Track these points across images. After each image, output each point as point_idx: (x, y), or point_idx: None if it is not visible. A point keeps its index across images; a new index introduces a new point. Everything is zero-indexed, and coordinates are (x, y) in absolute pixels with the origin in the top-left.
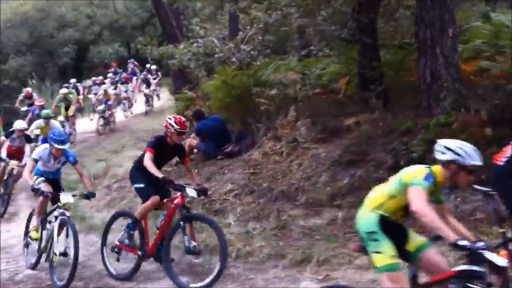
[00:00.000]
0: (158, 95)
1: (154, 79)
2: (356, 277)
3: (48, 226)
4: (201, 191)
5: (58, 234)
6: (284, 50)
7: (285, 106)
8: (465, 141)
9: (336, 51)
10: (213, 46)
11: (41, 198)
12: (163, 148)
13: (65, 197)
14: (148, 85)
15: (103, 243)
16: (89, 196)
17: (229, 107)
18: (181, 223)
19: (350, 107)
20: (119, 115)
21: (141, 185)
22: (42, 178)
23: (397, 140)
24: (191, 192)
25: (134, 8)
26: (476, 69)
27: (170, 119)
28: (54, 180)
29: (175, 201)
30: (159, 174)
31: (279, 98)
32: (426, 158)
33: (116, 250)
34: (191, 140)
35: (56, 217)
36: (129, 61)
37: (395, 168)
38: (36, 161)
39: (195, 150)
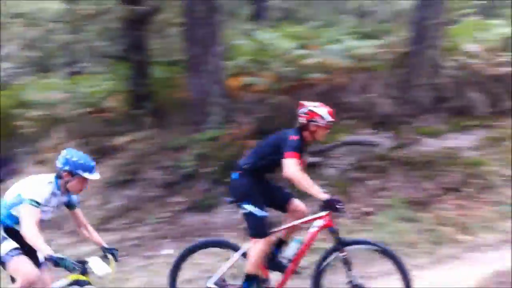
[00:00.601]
0: None
1: None
2: None
3: None
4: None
5: None
6: (50, 68)
7: (52, 128)
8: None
9: (108, 68)
10: None
11: None
12: (302, 149)
13: (100, 266)
14: None
15: None
16: (114, 253)
17: None
18: (340, 253)
19: (122, 125)
20: None
21: (263, 214)
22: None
23: (170, 156)
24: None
25: None
26: (242, 84)
27: (316, 107)
28: None
29: (318, 223)
30: (322, 195)
31: (45, 120)
32: (198, 172)
33: None
34: None
35: None
36: None
37: (168, 185)
38: (39, 206)
39: None
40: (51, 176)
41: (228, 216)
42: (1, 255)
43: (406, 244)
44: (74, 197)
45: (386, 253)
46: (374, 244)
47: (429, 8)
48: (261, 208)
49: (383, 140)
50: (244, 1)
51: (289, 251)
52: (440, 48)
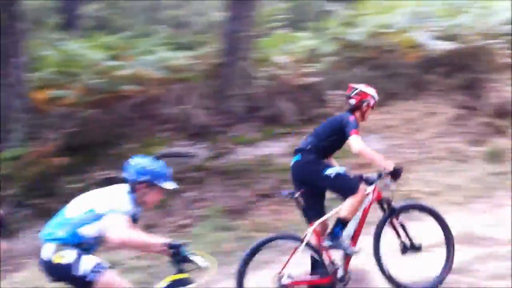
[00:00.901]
0: None
1: None
2: None
3: None
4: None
5: None
6: None
7: None
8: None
9: None
10: None
11: None
12: None
13: (201, 259)
14: None
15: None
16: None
17: None
18: (396, 219)
19: None
20: None
21: (344, 170)
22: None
23: None
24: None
25: None
26: (48, 98)
27: (366, 87)
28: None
29: (369, 198)
30: (389, 164)
31: None
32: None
33: None
34: None
35: None
36: None
37: None
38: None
39: None
40: (125, 188)
41: (33, 241)
42: (84, 272)
43: (223, 253)
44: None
45: (431, 212)
46: (421, 206)
47: (240, 21)
48: (336, 169)
49: (199, 151)
50: (53, 9)
51: (347, 231)
52: (251, 60)
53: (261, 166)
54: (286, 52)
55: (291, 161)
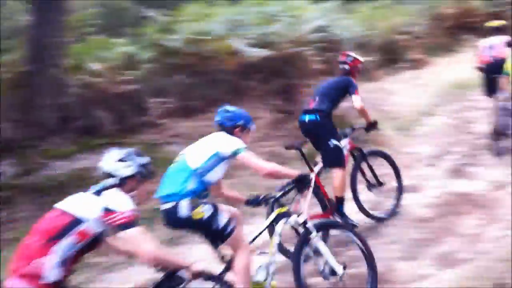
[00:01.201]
0: None
1: None
2: None
3: None
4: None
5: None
6: None
7: None
8: None
9: None
10: None
11: None
12: None
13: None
14: None
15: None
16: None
17: None
18: (366, 161)
19: None
20: None
21: (341, 145)
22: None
23: None
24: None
25: None
26: None
27: (358, 55)
28: None
29: (346, 148)
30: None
31: None
32: None
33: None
34: None
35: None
36: None
37: None
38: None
39: None
40: (223, 133)
41: None
42: (224, 225)
43: None
44: None
45: (385, 156)
46: (379, 151)
47: (47, 26)
48: (339, 140)
49: (5, 168)
50: None
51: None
52: (63, 67)
53: (78, 180)
54: (102, 58)
55: (303, 118)
